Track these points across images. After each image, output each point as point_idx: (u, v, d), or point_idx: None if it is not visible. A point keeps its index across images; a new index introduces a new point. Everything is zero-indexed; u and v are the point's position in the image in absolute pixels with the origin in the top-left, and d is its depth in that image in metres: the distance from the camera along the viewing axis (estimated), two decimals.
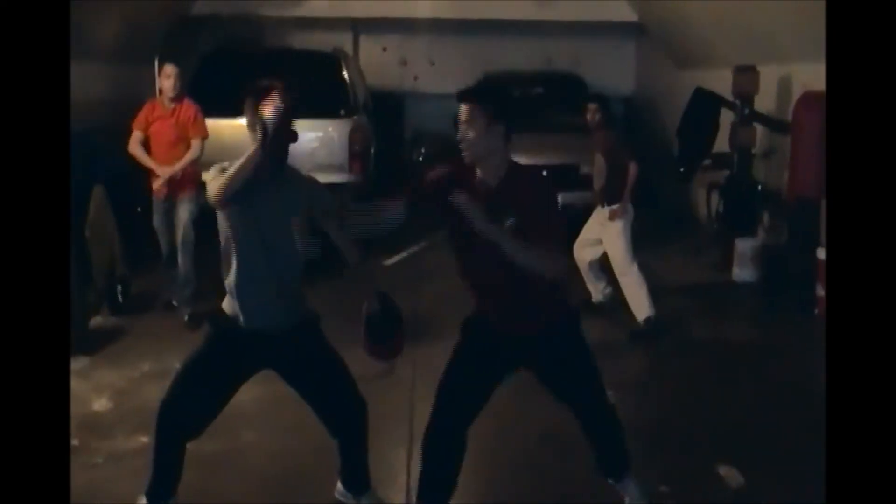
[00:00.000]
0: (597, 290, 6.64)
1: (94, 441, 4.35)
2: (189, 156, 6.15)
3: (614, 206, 6.16)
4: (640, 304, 6.10)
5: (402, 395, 4.91)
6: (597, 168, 6.36)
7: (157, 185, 6.17)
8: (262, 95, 3.16)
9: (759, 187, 8.15)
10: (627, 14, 11.60)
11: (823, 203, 6.45)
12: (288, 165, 3.33)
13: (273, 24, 11.97)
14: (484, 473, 4.03)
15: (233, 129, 3.66)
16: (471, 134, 3.05)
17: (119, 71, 9.04)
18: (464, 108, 3.07)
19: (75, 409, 4.32)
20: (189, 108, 6.23)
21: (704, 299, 7.35)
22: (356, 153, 8.10)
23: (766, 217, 8.25)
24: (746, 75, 7.98)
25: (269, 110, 3.10)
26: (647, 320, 6.07)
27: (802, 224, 7.06)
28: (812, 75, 6.89)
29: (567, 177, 8.06)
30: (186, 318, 6.16)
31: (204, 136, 6.22)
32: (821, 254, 6.48)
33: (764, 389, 5.23)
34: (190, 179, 6.15)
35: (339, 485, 3.68)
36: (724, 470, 4.10)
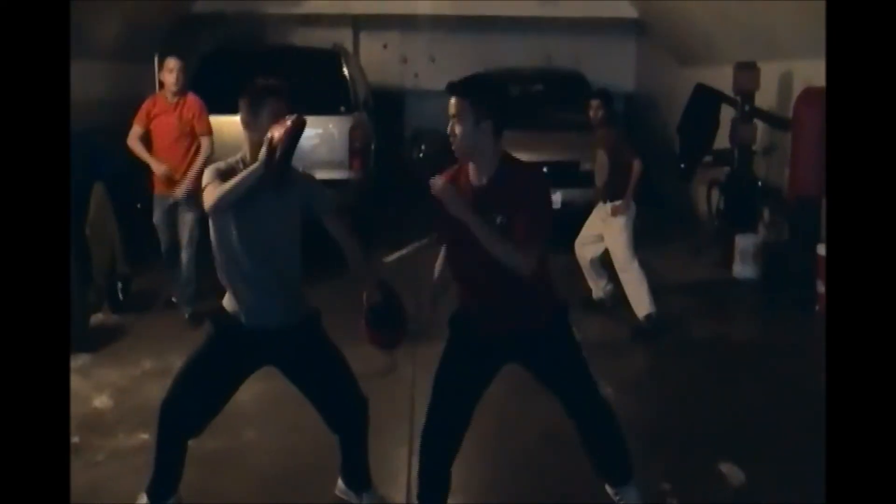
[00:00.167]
0: (598, 287, 6.65)
1: (95, 439, 4.35)
2: (202, 156, 5.99)
3: (617, 203, 6.15)
4: (641, 301, 6.10)
5: (403, 392, 4.91)
6: (599, 164, 6.34)
7: (176, 186, 6.01)
8: (258, 96, 3.15)
9: (760, 184, 8.14)
10: (628, 11, 11.62)
11: (824, 199, 6.45)
12: None
13: (274, 22, 11.99)
14: (484, 473, 4.03)
15: (233, 126, 3.65)
16: (458, 128, 2.99)
17: (119, 70, 9.01)
18: (452, 102, 3.01)
19: (76, 407, 4.33)
20: (193, 103, 6.10)
21: (705, 296, 7.35)
22: (356, 150, 8.09)
23: (766, 214, 8.24)
24: (747, 72, 7.97)
25: (278, 133, 3.05)
26: (648, 317, 6.07)
27: (803, 220, 7.06)
28: (812, 72, 6.90)
29: (567, 173, 8.08)
30: (187, 315, 6.14)
31: (210, 132, 6.10)
32: (821, 250, 6.46)
33: (765, 386, 5.23)
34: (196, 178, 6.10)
35: (340, 482, 3.69)
36: (725, 468, 4.10)
